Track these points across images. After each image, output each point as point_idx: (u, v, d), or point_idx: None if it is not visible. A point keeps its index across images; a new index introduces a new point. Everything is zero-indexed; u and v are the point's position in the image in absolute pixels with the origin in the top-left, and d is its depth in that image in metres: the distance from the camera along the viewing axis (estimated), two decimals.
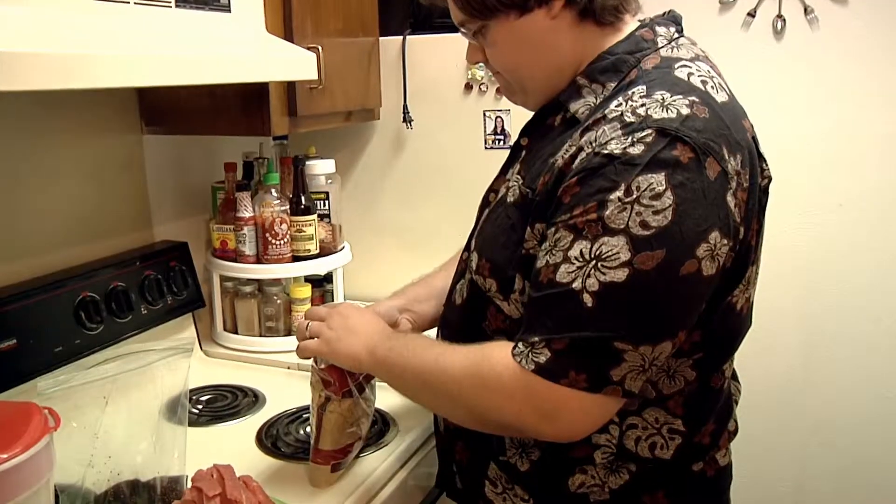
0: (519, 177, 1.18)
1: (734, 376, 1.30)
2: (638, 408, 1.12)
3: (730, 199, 0.99)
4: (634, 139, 0.97)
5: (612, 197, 0.96)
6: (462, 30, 1.23)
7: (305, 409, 1.69)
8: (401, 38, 2.21)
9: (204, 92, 1.83)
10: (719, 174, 0.98)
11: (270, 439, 1.58)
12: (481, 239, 1.22)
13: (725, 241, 0.99)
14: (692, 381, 1.12)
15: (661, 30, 1.15)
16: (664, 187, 0.95)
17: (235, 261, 1.98)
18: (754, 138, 1.09)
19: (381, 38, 2.21)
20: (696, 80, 1.05)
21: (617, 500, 1.16)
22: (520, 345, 1.03)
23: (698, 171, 0.96)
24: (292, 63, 1.60)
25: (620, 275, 0.95)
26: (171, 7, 1.46)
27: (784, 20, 2.57)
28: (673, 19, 1.19)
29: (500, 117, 2.13)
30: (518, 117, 1.99)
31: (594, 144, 1.01)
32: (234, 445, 1.56)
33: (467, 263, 1.25)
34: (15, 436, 0.86)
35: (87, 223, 1.83)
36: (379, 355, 1.26)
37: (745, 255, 1.06)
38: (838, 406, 2.76)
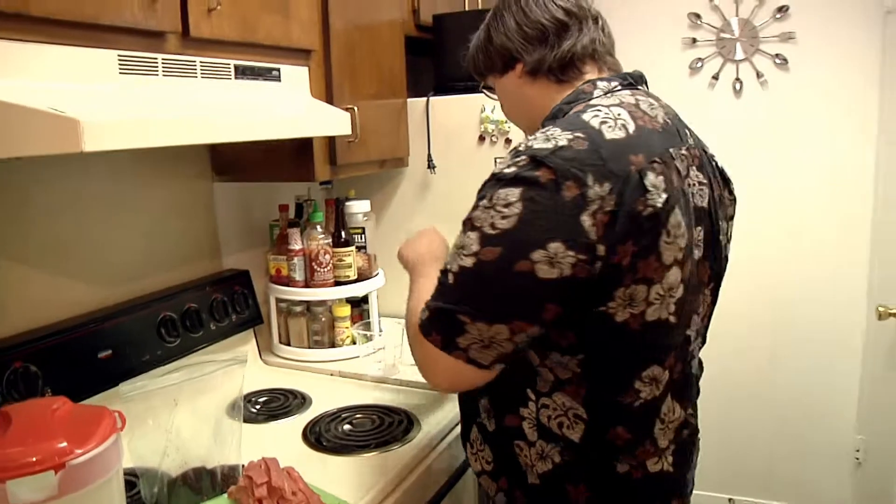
0: None
1: (659, 404, 1.15)
2: (549, 391, 1.12)
3: (585, 218, 0.97)
4: (512, 163, 1.02)
5: (481, 203, 1.03)
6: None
7: (345, 409, 1.71)
8: (425, 99, 2.22)
9: (261, 147, 1.86)
10: (576, 196, 0.97)
11: (314, 435, 1.59)
12: None
13: (571, 253, 0.97)
14: (586, 381, 1.09)
15: (601, 84, 1.18)
16: (516, 199, 0.99)
17: (288, 285, 1.99)
18: (641, 172, 1.01)
19: (409, 99, 2.23)
20: (594, 121, 1.05)
21: (546, 484, 1.15)
22: (425, 305, 1.09)
23: (553, 191, 0.98)
24: (331, 122, 1.63)
25: (469, 262, 1.01)
26: (231, 79, 1.48)
27: (741, 82, 2.71)
28: (622, 77, 1.21)
29: None
30: None
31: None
32: (283, 440, 1.58)
33: None
34: (89, 434, 0.87)
35: (168, 255, 1.86)
36: (413, 272, 1.34)
37: (616, 273, 1.00)
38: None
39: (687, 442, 1.21)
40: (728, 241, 1.28)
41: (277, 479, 1.27)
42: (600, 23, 1.24)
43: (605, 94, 1.16)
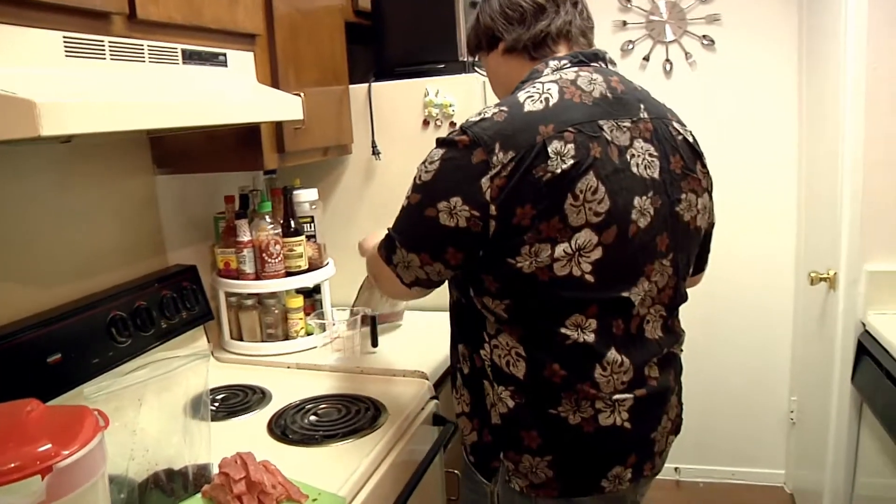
0: None
1: (598, 351, 1.19)
2: (495, 332, 1.24)
3: (484, 181, 1.12)
4: (451, 131, 1.19)
5: (423, 160, 1.21)
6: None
7: (308, 400, 1.67)
8: (367, 85, 2.18)
9: (205, 136, 1.80)
10: (481, 161, 1.12)
11: (280, 428, 1.55)
12: None
13: (466, 208, 1.13)
14: (517, 323, 1.21)
15: (552, 63, 1.26)
16: (438, 158, 1.17)
17: (237, 278, 1.93)
18: (546, 141, 1.11)
19: (350, 86, 2.18)
20: (521, 96, 1.18)
21: (505, 426, 1.25)
22: None
23: (464, 154, 1.13)
24: (283, 106, 1.58)
25: (405, 203, 1.23)
26: (178, 64, 1.42)
27: (671, 63, 2.76)
28: (580, 54, 1.27)
29: None
30: None
31: None
32: (248, 435, 1.53)
33: None
34: (72, 435, 0.81)
35: (112, 252, 1.78)
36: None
37: (513, 231, 1.13)
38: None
39: (647, 401, 1.23)
40: (701, 212, 1.33)
41: (255, 473, 1.23)
42: (579, 6, 1.32)
43: (553, 71, 1.25)
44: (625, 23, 2.78)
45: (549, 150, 1.11)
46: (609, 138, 1.15)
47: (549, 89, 1.18)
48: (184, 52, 1.44)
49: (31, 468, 0.76)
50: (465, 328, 1.31)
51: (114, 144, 1.77)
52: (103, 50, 1.26)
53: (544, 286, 1.15)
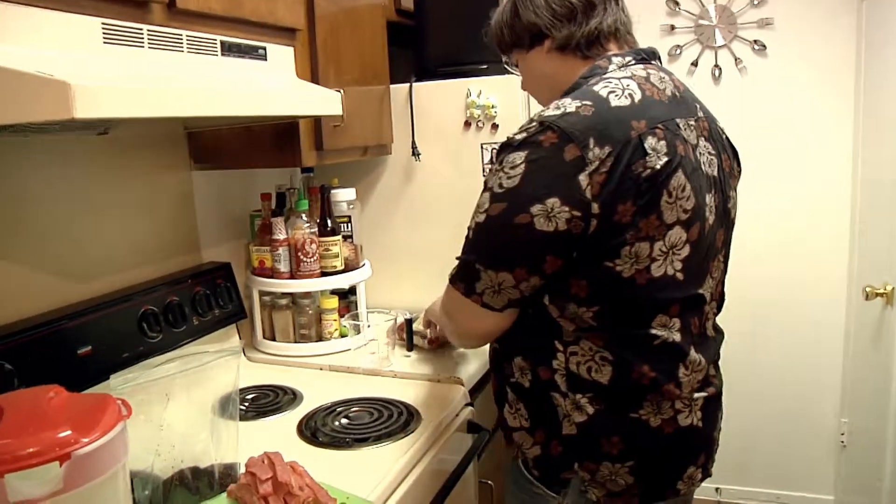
0: None
1: (681, 349, 1.19)
2: (574, 339, 1.18)
3: (582, 178, 1.06)
4: (524, 129, 1.12)
5: (493, 168, 1.15)
6: (508, 66, 1.43)
7: (340, 403, 1.64)
8: (408, 85, 2.16)
9: (243, 132, 1.79)
10: (576, 158, 1.06)
11: (310, 430, 1.51)
12: None
13: (566, 209, 1.06)
14: (604, 329, 1.16)
15: (616, 59, 1.23)
16: (521, 161, 1.09)
17: (272, 277, 1.91)
18: (641, 136, 1.09)
19: (391, 86, 2.16)
20: (602, 91, 1.13)
21: (582, 435, 1.20)
22: None
23: (555, 152, 1.07)
24: (322, 100, 1.56)
25: (482, 218, 1.14)
26: (217, 56, 1.41)
27: (720, 69, 2.70)
28: (637, 52, 1.26)
29: (495, 149, 2.06)
30: None
31: None
32: (277, 436, 1.50)
33: None
34: (93, 423, 0.79)
35: (147, 247, 1.77)
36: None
37: (615, 230, 1.08)
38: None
39: (712, 400, 1.26)
40: (735, 210, 1.36)
41: (283, 473, 1.19)
42: (621, 3, 1.30)
43: (619, 68, 1.22)
44: (673, 27, 2.72)
45: (646, 145, 1.09)
46: (685, 136, 1.16)
47: (628, 85, 1.14)
48: (223, 43, 1.43)
49: (49, 454, 0.73)
50: (527, 339, 1.24)
51: (151, 138, 1.77)
52: (142, 38, 1.25)
53: (640, 289, 1.13)
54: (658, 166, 1.09)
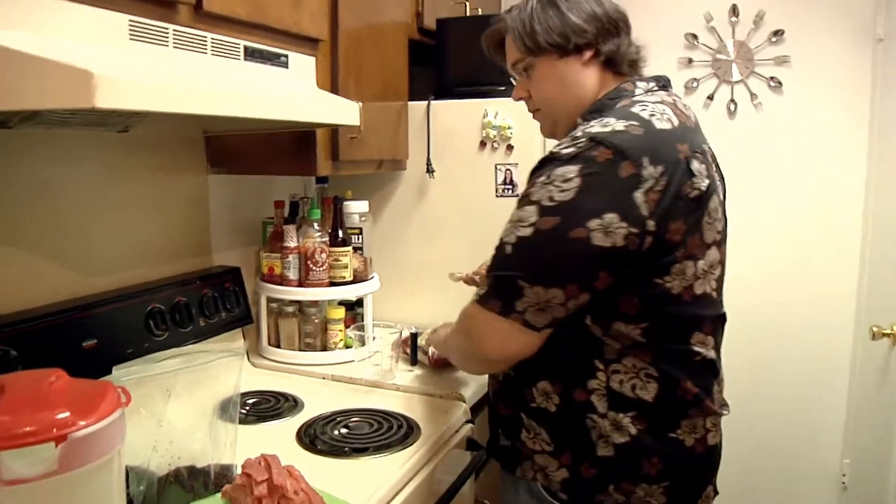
0: None
1: (716, 366, 1.25)
2: (617, 357, 1.15)
3: (638, 195, 1.05)
4: (570, 144, 1.10)
5: (538, 181, 1.10)
6: (512, 70, 1.34)
7: (340, 412, 1.62)
8: (426, 102, 2.17)
9: (260, 138, 1.80)
10: (631, 175, 1.05)
11: (309, 437, 1.50)
12: None
13: (624, 225, 1.05)
14: (650, 346, 1.14)
15: (641, 84, 1.25)
16: (574, 175, 1.07)
17: (280, 284, 1.90)
18: (688, 158, 1.11)
19: (409, 102, 2.17)
20: (644, 113, 1.13)
21: (621, 456, 1.17)
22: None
23: (610, 169, 1.05)
24: (341, 110, 1.57)
25: (528, 231, 1.09)
26: (240, 60, 1.42)
27: (736, 104, 2.71)
28: (657, 79, 1.27)
29: (509, 169, 2.08)
30: (524, 170, 1.94)
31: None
32: (276, 441, 1.48)
33: None
34: (92, 407, 0.78)
35: (158, 247, 1.78)
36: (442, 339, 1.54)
37: (666, 248, 1.09)
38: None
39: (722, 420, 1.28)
40: None
41: (279, 476, 1.18)
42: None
43: (645, 92, 1.23)
44: (690, 60, 2.72)
45: (692, 167, 1.11)
46: (710, 162, 1.19)
47: (664, 111, 1.15)
48: (246, 48, 1.44)
49: (46, 434, 0.72)
50: (558, 361, 1.19)
51: (170, 139, 1.78)
52: (167, 37, 1.26)
53: (686, 306, 1.14)
54: (703, 188, 1.12)
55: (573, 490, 1.21)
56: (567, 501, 1.22)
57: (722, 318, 1.25)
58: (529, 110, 1.39)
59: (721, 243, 1.19)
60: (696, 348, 1.18)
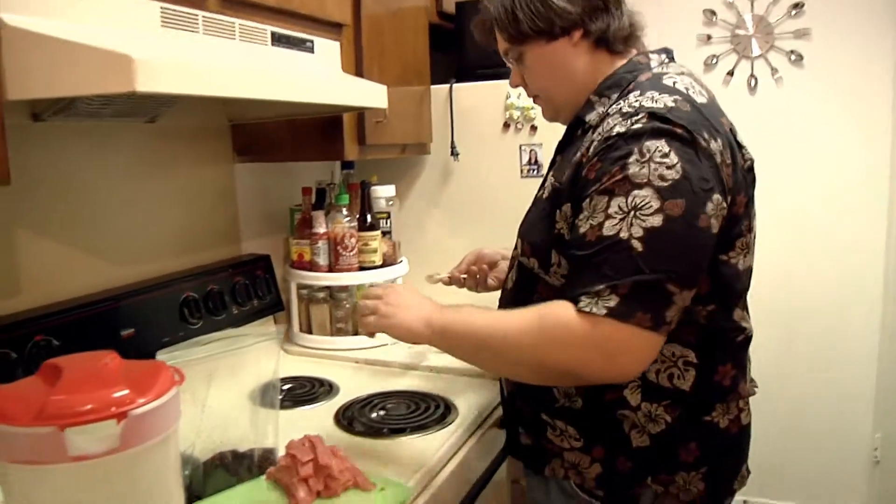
0: (552, 177, 1.19)
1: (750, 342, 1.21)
2: None
3: (722, 169, 1.01)
4: (633, 121, 1.00)
5: (630, 160, 0.97)
6: (506, 58, 1.27)
7: (376, 395, 1.62)
8: (448, 86, 2.16)
9: (286, 125, 1.79)
10: (707, 150, 0.99)
11: (347, 419, 1.50)
12: (524, 227, 1.23)
13: (724, 204, 1.00)
14: (697, 328, 1.09)
15: (654, 56, 1.19)
16: (668, 149, 0.96)
17: (311, 270, 1.90)
18: (732, 130, 1.09)
19: (431, 86, 2.16)
20: (680, 86, 1.06)
21: (657, 445, 1.11)
22: (583, 297, 0.97)
23: (692, 143, 0.98)
24: (369, 93, 1.56)
25: (657, 220, 0.94)
26: (267, 45, 1.42)
27: (756, 79, 2.67)
28: (665, 51, 1.21)
29: (533, 150, 2.07)
30: (549, 150, 1.93)
31: (603, 133, 1.04)
32: (314, 424, 1.47)
33: (514, 252, 1.25)
34: (148, 386, 0.78)
35: (188, 236, 1.78)
36: (436, 324, 1.15)
37: (733, 222, 1.05)
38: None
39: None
40: None
41: (324, 456, 1.18)
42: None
43: (660, 65, 1.17)
44: (709, 37, 2.70)
45: (739, 139, 1.10)
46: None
47: (692, 83, 1.09)
48: (273, 34, 1.43)
49: (107, 411, 0.72)
50: None
51: (196, 129, 1.79)
52: (197, 23, 1.25)
53: (741, 280, 1.11)
54: (751, 157, 1.11)
55: (610, 485, 1.15)
56: (604, 498, 1.16)
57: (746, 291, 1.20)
58: (529, 96, 1.31)
59: (754, 214, 1.16)
60: (743, 324, 1.15)
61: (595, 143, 1.05)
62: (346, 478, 1.18)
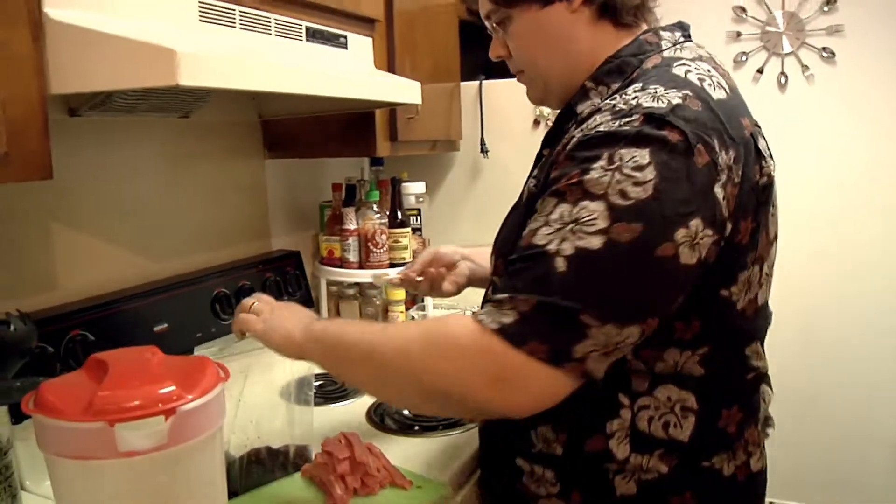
0: (533, 179, 1.00)
1: (766, 380, 1.04)
2: (649, 388, 0.91)
3: (718, 190, 0.81)
4: (622, 122, 0.82)
5: (595, 165, 0.80)
6: (487, 23, 1.07)
7: None
8: (478, 82, 2.14)
9: (317, 122, 1.79)
10: (708, 163, 0.80)
11: (378, 417, 1.49)
12: (497, 243, 1.04)
13: (710, 232, 0.81)
14: (701, 375, 0.92)
15: (665, 34, 0.99)
16: (647, 161, 0.78)
17: (341, 266, 1.89)
18: (753, 135, 0.89)
19: (461, 83, 2.14)
20: (692, 77, 0.88)
21: (644, 494, 0.94)
22: (486, 305, 0.83)
23: (686, 155, 0.79)
24: (403, 89, 1.55)
25: (595, 242, 0.77)
26: (302, 41, 1.41)
27: (786, 76, 2.62)
28: (680, 26, 1.02)
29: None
30: None
31: (586, 130, 0.85)
32: (346, 422, 1.47)
33: (490, 274, 1.06)
34: (195, 381, 0.77)
35: (219, 232, 1.78)
36: (315, 331, 1.00)
37: (734, 254, 0.87)
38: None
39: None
40: None
41: (361, 454, 1.17)
42: None
43: (673, 45, 0.98)
44: (739, 34, 2.66)
45: (760, 147, 0.89)
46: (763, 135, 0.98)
47: (710, 72, 0.90)
48: (308, 29, 1.43)
49: (155, 407, 0.72)
50: (568, 403, 0.83)
51: (228, 125, 1.78)
52: (234, 18, 1.25)
53: (748, 320, 0.93)
54: (772, 171, 0.90)
55: None
56: None
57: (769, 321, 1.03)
58: (512, 72, 1.11)
59: (775, 238, 0.96)
60: (753, 362, 0.97)
61: (575, 138, 0.86)
62: (383, 476, 1.17)
